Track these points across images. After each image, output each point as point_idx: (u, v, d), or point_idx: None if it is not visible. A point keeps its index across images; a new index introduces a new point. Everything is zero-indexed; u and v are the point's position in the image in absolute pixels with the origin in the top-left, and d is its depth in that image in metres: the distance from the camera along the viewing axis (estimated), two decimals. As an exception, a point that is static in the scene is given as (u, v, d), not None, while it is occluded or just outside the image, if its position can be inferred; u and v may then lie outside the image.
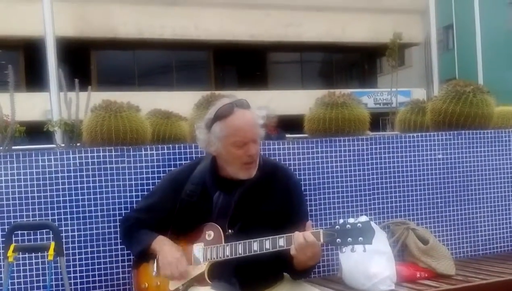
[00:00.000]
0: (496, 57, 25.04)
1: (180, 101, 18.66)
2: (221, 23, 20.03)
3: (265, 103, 17.55)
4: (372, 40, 21.82)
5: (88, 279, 2.81)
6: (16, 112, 3.79)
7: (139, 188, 2.91)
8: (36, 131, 4.03)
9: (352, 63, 25.74)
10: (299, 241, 2.12)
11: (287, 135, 10.13)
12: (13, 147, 3.78)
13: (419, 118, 4.24)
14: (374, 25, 21.27)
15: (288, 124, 10.84)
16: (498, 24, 25.51)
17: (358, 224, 2.16)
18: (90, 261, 2.82)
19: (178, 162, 2.98)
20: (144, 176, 2.93)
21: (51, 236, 2.45)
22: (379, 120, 16.42)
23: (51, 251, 2.29)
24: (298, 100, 19.85)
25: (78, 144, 4.02)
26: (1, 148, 3.60)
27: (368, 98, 22.34)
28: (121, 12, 18.72)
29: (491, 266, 3.30)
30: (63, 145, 4.18)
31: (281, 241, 2.19)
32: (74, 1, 17.33)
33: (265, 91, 21.58)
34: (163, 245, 2.35)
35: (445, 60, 24.13)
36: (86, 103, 4.10)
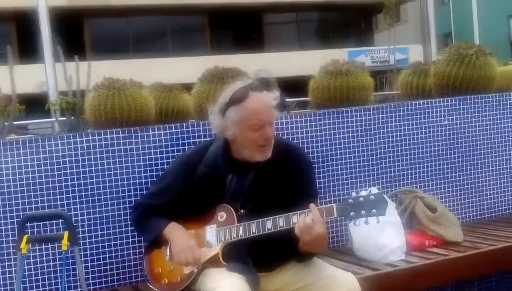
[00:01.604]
0: (491, 11, 24.82)
1: (176, 67, 18.62)
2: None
3: (262, 66, 17.50)
4: (367, -3, 21.58)
5: (99, 267, 2.82)
6: (8, 84, 3.76)
7: (148, 169, 2.90)
8: (32, 103, 4.00)
9: (348, 21, 25.46)
10: (299, 223, 2.15)
11: (287, 99, 10.07)
12: (14, 122, 3.75)
13: (421, 81, 4.24)
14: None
15: (287, 87, 10.78)
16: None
17: (371, 196, 2.17)
18: (101, 246, 2.82)
19: (186, 141, 2.97)
20: (153, 156, 2.92)
21: (63, 225, 2.43)
22: (376, 79, 16.38)
23: (64, 241, 2.27)
24: (296, 62, 19.75)
25: (80, 123, 4.01)
26: (4, 128, 3.59)
27: (365, 57, 22.21)
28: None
29: (497, 231, 3.34)
30: (64, 120, 4.14)
31: (294, 218, 2.19)
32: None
33: (262, 54, 21.43)
34: (175, 232, 2.36)
35: (441, 14, 23.90)
36: (76, 74, 4.07)
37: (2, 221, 2.68)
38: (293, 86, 11.01)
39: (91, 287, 2.77)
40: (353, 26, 26.06)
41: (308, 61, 18.86)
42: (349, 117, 3.31)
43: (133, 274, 2.88)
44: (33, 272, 2.72)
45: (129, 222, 2.80)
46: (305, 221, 2.14)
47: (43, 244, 2.67)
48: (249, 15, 22.29)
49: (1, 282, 2.69)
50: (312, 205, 2.18)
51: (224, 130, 2.34)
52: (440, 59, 3.98)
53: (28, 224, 2.51)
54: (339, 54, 19.28)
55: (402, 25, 22.83)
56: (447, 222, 3.14)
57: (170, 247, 2.35)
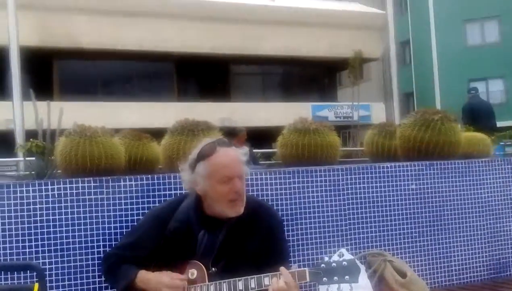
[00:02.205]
0: (452, 72, 25.86)
1: (143, 112, 18.51)
2: (183, 35, 19.97)
3: (227, 115, 17.59)
4: (331, 54, 22.15)
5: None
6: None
7: (118, 219, 2.90)
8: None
9: (312, 76, 26.01)
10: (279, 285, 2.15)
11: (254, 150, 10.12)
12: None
13: (387, 141, 4.37)
14: (333, 40, 21.63)
15: (251, 137, 10.88)
16: (453, 40, 26.35)
17: (344, 262, 2.18)
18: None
19: (157, 192, 2.98)
20: (123, 207, 2.92)
21: (34, 275, 2.38)
22: (340, 134, 16.67)
23: (35, 293, 2.22)
24: (260, 113, 19.99)
25: (49, 166, 3.95)
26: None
27: (329, 112, 22.64)
28: (83, 22, 18.42)
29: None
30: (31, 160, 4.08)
31: (266, 280, 2.19)
32: (37, 10, 16.99)
33: (227, 103, 21.58)
34: (147, 274, 2.33)
35: (403, 74, 24.70)
36: (47, 117, 4.04)
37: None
38: (257, 137, 11.13)
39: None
40: (317, 81, 26.60)
41: (272, 113, 19.16)
42: (318, 177, 3.37)
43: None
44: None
45: (97, 273, 2.77)
46: (279, 284, 2.14)
47: None
48: (216, 65, 22.55)
49: None
50: (282, 268, 2.17)
51: (194, 186, 2.36)
52: (406, 123, 4.11)
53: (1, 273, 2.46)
54: (303, 108, 19.69)
55: (365, 83, 23.51)
56: (417, 288, 3.17)
57: (147, 288, 2.30)
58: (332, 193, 3.38)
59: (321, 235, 3.31)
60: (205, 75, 22.90)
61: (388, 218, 3.51)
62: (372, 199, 3.48)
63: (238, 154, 2.38)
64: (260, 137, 10.85)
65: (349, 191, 3.42)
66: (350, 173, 3.44)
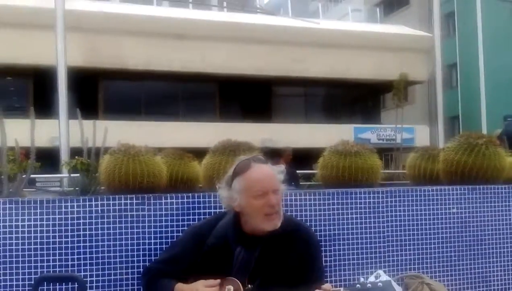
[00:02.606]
0: (500, 96, 25.26)
1: (185, 132, 18.84)
2: (227, 57, 20.26)
3: (268, 136, 17.68)
4: (376, 76, 22.01)
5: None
6: (23, 139, 3.83)
7: (158, 236, 2.96)
8: (42, 158, 4.07)
9: (356, 98, 25.88)
10: None
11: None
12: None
13: (429, 165, 4.31)
14: (379, 62, 21.50)
15: (291, 158, 10.88)
16: (502, 64, 25.81)
17: (379, 284, 2.18)
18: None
19: (196, 211, 3.04)
20: (164, 224, 2.98)
21: (76, 287, 2.47)
22: (382, 156, 16.48)
23: (77, 304, 2.31)
24: (302, 134, 19.99)
25: (92, 183, 4.07)
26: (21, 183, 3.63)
27: (371, 134, 22.46)
28: (130, 44, 18.95)
29: (504, 323, 3.32)
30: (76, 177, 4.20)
31: (300, 299, 2.22)
32: (85, 32, 17.57)
33: (269, 124, 21.69)
34: (183, 286, 2.40)
35: (449, 98, 24.31)
36: (93, 136, 4.17)
37: (14, 277, 2.74)
38: (298, 158, 11.12)
39: None
40: (360, 103, 26.45)
41: (314, 134, 19.15)
42: (358, 199, 3.36)
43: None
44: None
45: (136, 287, 2.84)
46: None
47: None
48: (259, 86, 22.74)
49: None
50: (327, 285, 2.20)
51: (232, 202, 2.42)
52: (450, 147, 4.06)
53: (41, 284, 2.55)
54: (345, 130, 19.62)
55: (409, 106, 23.25)
56: (453, 311, 3.12)
57: None
58: (372, 214, 3.36)
59: (358, 256, 3.29)
60: (247, 96, 23.11)
61: (428, 240, 3.47)
62: (412, 221, 3.45)
63: (272, 169, 2.44)
64: (301, 158, 10.84)
65: (389, 213, 3.40)
66: (390, 195, 3.42)
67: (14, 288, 2.73)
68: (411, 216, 3.45)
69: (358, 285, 2.19)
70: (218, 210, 2.94)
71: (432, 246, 3.47)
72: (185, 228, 2.87)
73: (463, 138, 4.02)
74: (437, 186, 3.67)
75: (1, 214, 2.76)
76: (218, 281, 2.33)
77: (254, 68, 20.79)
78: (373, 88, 24.51)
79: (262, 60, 20.64)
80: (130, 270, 2.89)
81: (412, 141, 19.36)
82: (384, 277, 2.96)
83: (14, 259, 2.75)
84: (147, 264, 2.81)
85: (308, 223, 3.06)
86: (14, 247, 2.75)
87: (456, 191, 3.59)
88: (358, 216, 3.33)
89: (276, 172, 2.45)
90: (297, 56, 21.11)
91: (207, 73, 20.46)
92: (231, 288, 2.35)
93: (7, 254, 2.75)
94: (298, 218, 3.03)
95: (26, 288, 2.71)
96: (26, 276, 2.73)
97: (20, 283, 2.74)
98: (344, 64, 21.55)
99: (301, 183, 9.59)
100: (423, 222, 3.47)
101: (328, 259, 3.21)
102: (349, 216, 3.32)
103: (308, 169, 9.05)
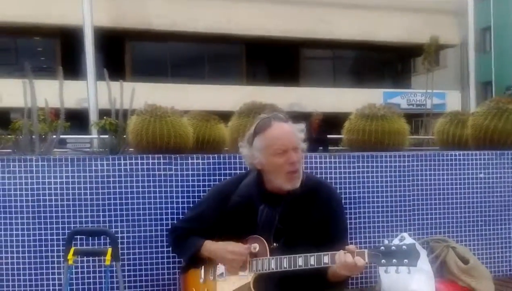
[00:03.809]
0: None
1: (211, 95, 18.84)
2: (254, 18, 20.06)
3: (296, 100, 17.57)
4: (406, 39, 21.60)
5: (136, 283, 2.96)
6: (52, 99, 3.90)
7: (185, 195, 3.03)
8: (71, 119, 4.16)
9: (385, 62, 25.47)
10: (348, 262, 2.17)
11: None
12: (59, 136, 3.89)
13: (458, 130, 4.26)
14: (409, 24, 21.05)
15: (321, 123, 10.86)
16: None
17: (403, 246, 2.18)
18: (138, 264, 2.97)
19: (222, 171, 3.08)
20: (190, 183, 3.04)
21: (108, 241, 2.55)
22: (412, 122, 16.29)
23: (108, 256, 2.40)
24: (330, 98, 19.83)
25: (121, 143, 4.14)
26: (52, 142, 3.72)
27: (401, 99, 22.17)
28: (155, 3, 18.89)
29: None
30: (105, 138, 4.28)
31: (325, 258, 2.23)
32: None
33: (296, 88, 21.55)
34: (213, 244, 2.45)
35: (482, 62, 23.75)
36: (120, 96, 4.23)
37: (49, 232, 2.87)
38: (326, 122, 11.09)
39: (128, 301, 2.89)
40: (389, 67, 26.06)
41: (342, 99, 18.97)
42: (384, 162, 3.36)
43: (168, 288, 2.99)
44: (74, 282, 2.87)
45: (165, 243, 2.94)
46: (347, 259, 2.16)
47: (86, 257, 2.83)
48: (286, 49, 22.54)
49: (51, 288, 2.87)
50: (351, 246, 2.21)
51: (253, 160, 2.44)
52: (479, 111, 4.01)
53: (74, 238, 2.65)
54: (374, 94, 19.36)
55: (441, 70, 22.82)
56: (479, 275, 3.13)
57: (213, 257, 2.42)
58: (397, 178, 3.36)
59: (383, 219, 3.31)
60: (274, 59, 22.94)
61: (454, 205, 3.46)
62: (439, 186, 3.44)
63: (293, 127, 2.43)
64: (329, 122, 10.80)
65: (415, 177, 3.39)
66: (416, 159, 3.40)
67: (49, 242, 2.87)
68: (437, 180, 3.43)
69: (382, 248, 2.20)
70: (243, 171, 2.97)
71: (458, 210, 3.47)
72: (211, 187, 2.92)
73: (492, 103, 3.96)
74: (464, 150, 3.63)
75: (34, 171, 2.86)
76: (247, 246, 2.37)
77: (280, 29, 20.56)
78: (403, 52, 24.07)
79: (290, 21, 20.38)
80: (159, 227, 2.98)
81: (443, 107, 19.07)
82: (408, 240, 2.97)
83: (48, 214, 2.87)
84: (174, 221, 2.89)
85: (334, 186, 3.07)
86: (47, 203, 2.87)
87: (484, 155, 3.55)
88: (384, 179, 3.33)
89: (296, 130, 2.45)
90: (325, 17, 20.79)
91: (233, 35, 20.32)
92: (257, 246, 2.38)
93: (41, 209, 2.87)
94: (320, 177, 3.05)
95: (61, 242, 2.83)
96: (60, 230, 2.86)
97: (55, 237, 2.87)
98: (373, 26, 21.15)
99: (329, 148, 9.59)
100: (450, 186, 3.46)
101: (353, 221, 3.24)
102: (375, 179, 3.32)
103: (336, 134, 9.03)
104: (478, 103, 13.06)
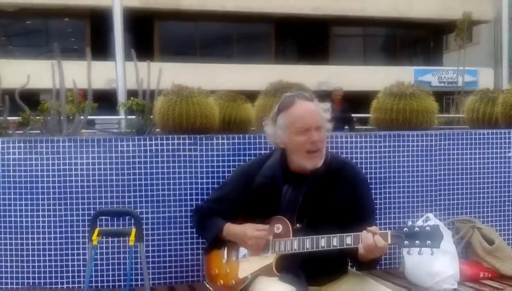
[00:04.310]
0: None
1: (240, 74, 18.82)
2: (283, -4, 19.91)
3: (325, 78, 17.43)
4: (438, 16, 21.15)
5: (159, 264, 3.01)
6: (81, 80, 3.94)
7: (210, 175, 3.05)
8: (99, 99, 4.20)
9: (417, 39, 25.01)
10: (368, 242, 2.16)
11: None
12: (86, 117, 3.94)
13: (488, 109, 4.15)
14: (442, 0, 20.57)
15: (348, 101, 10.75)
16: None
17: (427, 228, 2.17)
18: (162, 245, 3.01)
19: (247, 151, 3.09)
20: (215, 164, 3.06)
21: (132, 222, 2.60)
22: (443, 100, 16.01)
23: (132, 237, 2.44)
24: (360, 76, 19.61)
25: (148, 124, 4.18)
26: (79, 123, 3.77)
27: (432, 77, 21.80)
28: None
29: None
30: (132, 119, 4.33)
31: (348, 239, 2.23)
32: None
33: (325, 66, 21.36)
34: (233, 227, 2.47)
35: (516, 39, 23.09)
36: (147, 77, 4.25)
37: (75, 212, 2.93)
38: (354, 101, 10.97)
39: (150, 282, 2.93)
40: (421, 44, 25.58)
41: (372, 77, 18.71)
42: (411, 141, 3.32)
43: (190, 274, 3.04)
44: (99, 262, 2.93)
45: (189, 224, 2.97)
46: (369, 242, 2.16)
47: (111, 237, 2.89)
48: (316, 27, 22.30)
49: (76, 269, 2.94)
50: (374, 228, 2.21)
51: (276, 139, 2.44)
52: (509, 89, 3.91)
53: (99, 218, 2.71)
54: (405, 72, 19.09)
55: (473, 46, 22.27)
56: (504, 256, 3.09)
57: (234, 240, 2.45)
58: (424, 157, 3.31)
59: (409, 199, 3.28)
60: (304, 37, 22.74)
61: (481, 185, 3.41)
62: (465, 165, 3.38)
63: (317, 106, 2.41)
64: (359, 101, 10.69)
65: (442, 157, 3.34)
66: (443, 138, 3.35)
67: (75, 222, 2.93)
68: (464, 159, 3.38)
69: (405, 229, 2.19)
70: (268, 151, 2.97)
71: (485, 190, 3.41)
72: (236, 168, 2.93)
73: (524, 80, 3.86)
74: (494, 129, 3.56)
75: (61, 151, 2.91)
76: (267, 226, 2.39)
77: (311, 6, 20.34)
78: (435, 28, 23.58)
79: (319, -1, 20.15)
80: (183, 208, 3.01)
81: (475, 84, 18.67)
82: (433, 220, 2.95)
83: (74, 195, 2.93)
84: (199, 202, 2.92)
85: (359, 166, 3.06)
86: (74, 183, 2.92)
87: (514, 134, 3.48)
88: (410, 159, 3.30)
89: (321, 109, 2.42)
90: (356, -6, 20.49)
91: (263, 13, 20.19)
92: (280, 226, 2.39)
93: (67, 189, 2.92)
94: (344, 156, 3.05)
95: (86, 222, 2.88)
96: (86, 211, 2.92)
97: (80, 217, 2.93)
98: (405, 3, 20.77)
99: (357, 127, 9.49)
100: (477, 165, 3.40)
101: (378, 201, 3.21)
102: (401, 158, 3.28)
103: (366, 113, 8.94)
104: (510, 80, 12.73)
